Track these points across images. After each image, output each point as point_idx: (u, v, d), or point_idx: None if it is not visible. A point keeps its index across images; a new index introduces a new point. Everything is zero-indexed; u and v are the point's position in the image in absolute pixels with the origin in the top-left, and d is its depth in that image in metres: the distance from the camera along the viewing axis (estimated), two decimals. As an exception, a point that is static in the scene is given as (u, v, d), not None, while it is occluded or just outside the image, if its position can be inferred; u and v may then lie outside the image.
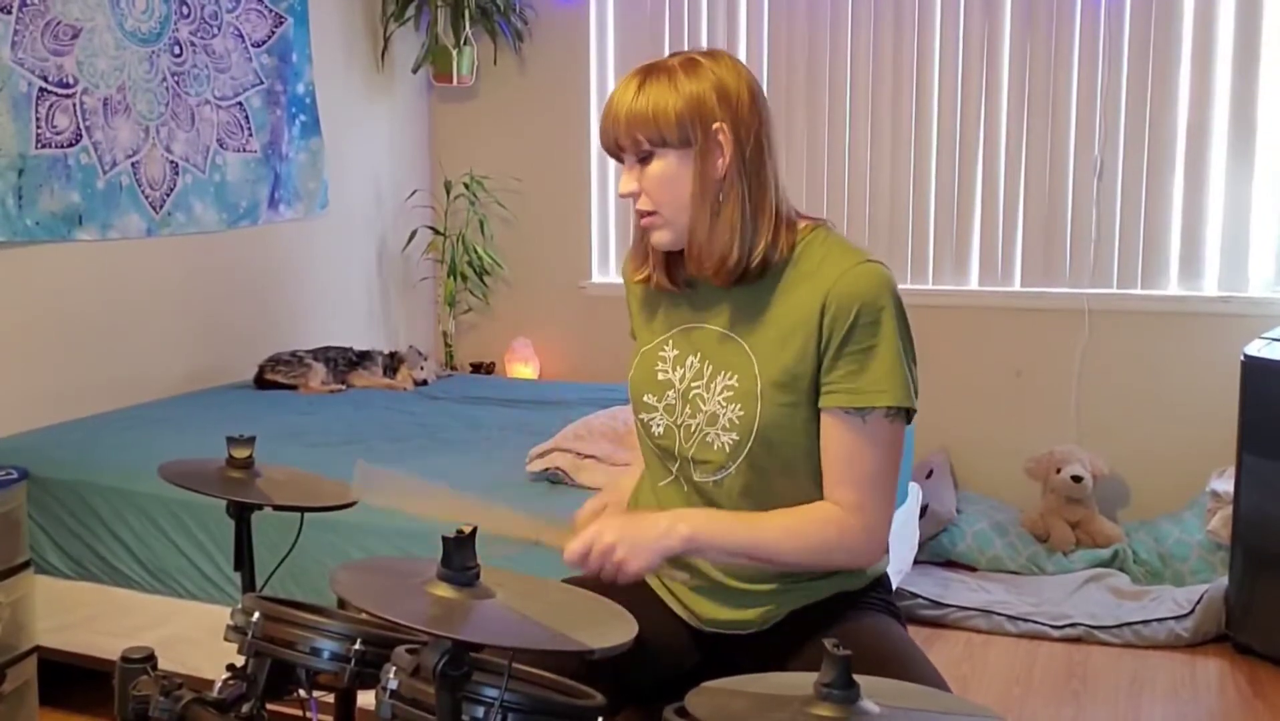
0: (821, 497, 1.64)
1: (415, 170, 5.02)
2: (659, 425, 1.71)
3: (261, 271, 4.19)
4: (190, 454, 2.00)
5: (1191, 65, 4.04)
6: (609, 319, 4.43)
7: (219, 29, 3.90)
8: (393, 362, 4.11)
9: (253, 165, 4.07)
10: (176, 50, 3.73)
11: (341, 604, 1.57)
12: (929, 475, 4.11)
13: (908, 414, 1.61)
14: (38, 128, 3.27)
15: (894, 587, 2.37)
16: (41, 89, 3.27)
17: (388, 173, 4.87)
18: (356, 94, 4.66)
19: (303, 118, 4.29)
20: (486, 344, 5.08)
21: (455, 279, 4.87)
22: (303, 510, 1.78)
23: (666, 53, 1.74)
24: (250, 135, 4.05)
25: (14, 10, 3.19)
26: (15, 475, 2.90)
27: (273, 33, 4.13)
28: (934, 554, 3.96)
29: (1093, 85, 4.14)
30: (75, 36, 3.37)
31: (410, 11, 4.72)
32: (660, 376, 1.72)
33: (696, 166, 1.60)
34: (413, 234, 4.89)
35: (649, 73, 1.62)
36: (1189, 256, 4.10)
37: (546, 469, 2.83)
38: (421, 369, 4.13)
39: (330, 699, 1.59)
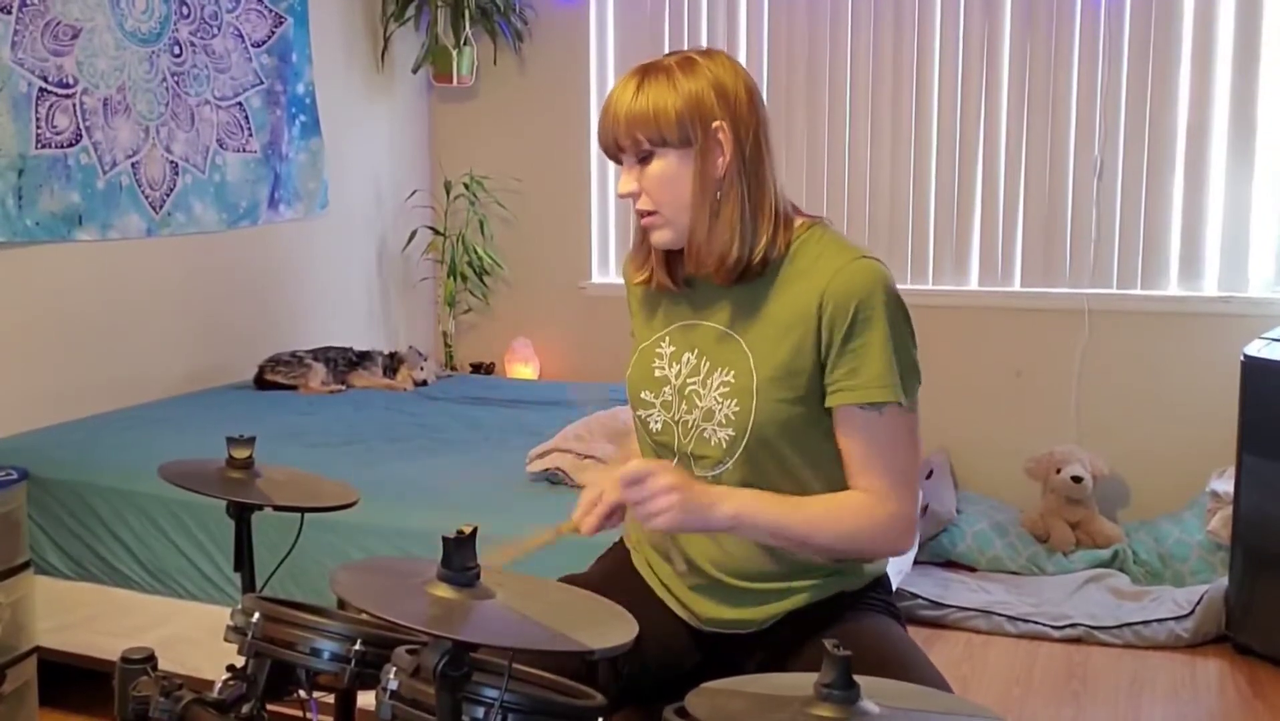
0: (819, 491, 1.64)
1: (415, 170, 5.02)
2: (656, 421, 1.71)
3: (261, 271, 4.19)
4: (190, 454, 2.00)
5: (1191, 65, 4.04)
6: (609, 319, 4.44)
7: (219, 29, 3.90)
8: (393, 363, 4.11)
9: (253, 165, 4.07)
10: (176, 50, 3.73)
11: (341, 604, 1.56)
12: (929, 475, 4.10)
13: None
14: (38, 128, 3.27)
15: (894, 588, 2.37)
16: (41, 89, 3.27)
17: (388, 173, 4.87)
18: (356, 94, 4.66)
19: (303, 118, 4.29)
20: (486, 344, 5.07)
21: (455, 279, 4.87)
22: (303, 510, 1.78)
23: (666, 53, 1.75)
24: (250, 135, 4.05)
25: (14, 10, 3.19)
26: (15, 475, 2.90)
27: (273, 33, 4.13)
28: (934, 554, 3.96)
29: (1093, 85, 4.14)
30: (75, 36, 3.37)
31: (410, 11, 4.72)
32: (657, 373, 1.72)
33: (697, 165, 1.60)
34: (413, 234, 4.89)
35: (646, 72, 1.62)
36: (1189, 256, 4.10)
37: (547, 469, 2.84)
38: (421, 369, 4.13)
39: (330, 699, 1.59)
